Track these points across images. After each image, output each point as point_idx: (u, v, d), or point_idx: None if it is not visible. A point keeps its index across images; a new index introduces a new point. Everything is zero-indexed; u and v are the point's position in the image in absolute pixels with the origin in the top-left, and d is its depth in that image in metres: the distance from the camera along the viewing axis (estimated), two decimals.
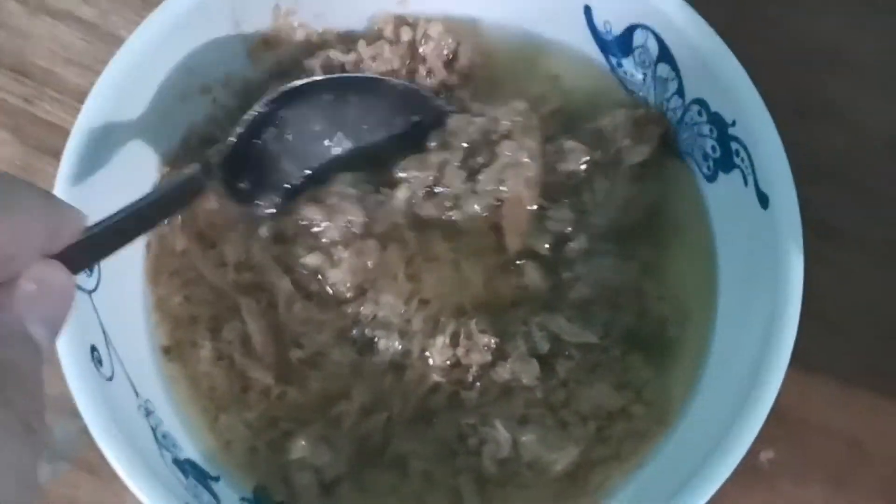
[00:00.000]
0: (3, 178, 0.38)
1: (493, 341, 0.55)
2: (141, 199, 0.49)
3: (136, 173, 0.57)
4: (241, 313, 0.56)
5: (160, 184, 0.57)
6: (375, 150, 0.59)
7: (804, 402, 0.60)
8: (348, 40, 0.61)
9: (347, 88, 0.58)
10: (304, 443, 0.54)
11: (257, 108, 0.56)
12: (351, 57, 0.60)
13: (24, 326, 0.37)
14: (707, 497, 0.48)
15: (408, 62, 0.61)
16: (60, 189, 0.52)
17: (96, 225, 0.45)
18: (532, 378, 0.54)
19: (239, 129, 0.56)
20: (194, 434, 0.55)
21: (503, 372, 0.55)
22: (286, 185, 0.58)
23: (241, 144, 0.56)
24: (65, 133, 0.54)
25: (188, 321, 0.57)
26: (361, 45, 0.61)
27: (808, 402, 0.60)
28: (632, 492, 0.54)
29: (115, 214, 0.47)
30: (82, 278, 0.52)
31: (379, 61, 0.60)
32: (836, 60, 0.67)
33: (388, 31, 0.61)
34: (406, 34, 0.61)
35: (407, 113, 0.59)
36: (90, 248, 0.44)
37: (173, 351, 0.57)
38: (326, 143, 0.58)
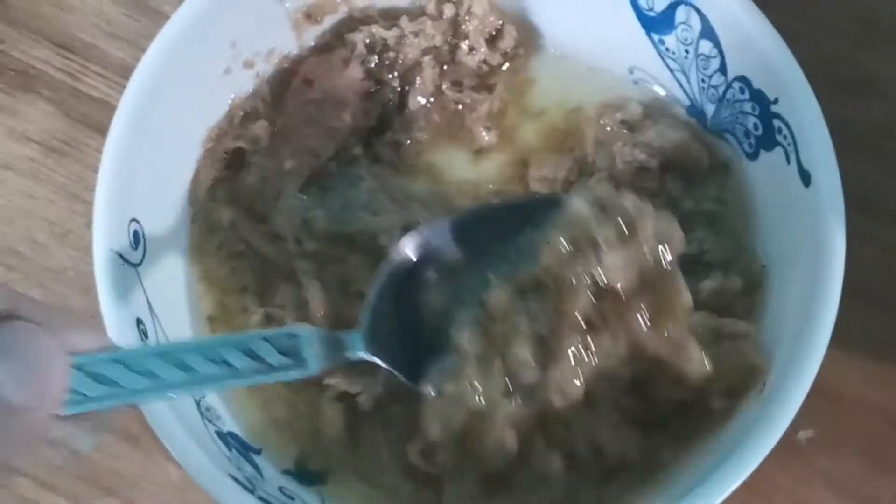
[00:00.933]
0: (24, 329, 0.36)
1: None
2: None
3: (181, 148, 0.58)
4: (295, 279, 0.56)
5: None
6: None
7: (842, 378, 0.59)
8: (390, 16, 0.62)
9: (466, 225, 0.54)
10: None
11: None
12: (393, 32, 0.61)
13: None
14: (748, 473, 0.48)
15: (449, 38, 0.61)
16: (106, 165, 0.53)
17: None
18: None
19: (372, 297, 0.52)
20: (237, 406, 0.56)
21: None
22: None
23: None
24: (108, 107, 0.55)
25: (237, 291, 0.58)
26: (404, 20, 0.61)
27: (847, 377, 0.60)
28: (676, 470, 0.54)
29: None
30: (129, 251, 0.53)
31: (421, 37, 0.61)
32: (874, 33, 0.67)
33: (431, 7, 0.61)
34: (449, 10, 0.61)
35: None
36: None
37: (217, 321, 0.58)
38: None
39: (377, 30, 0.61)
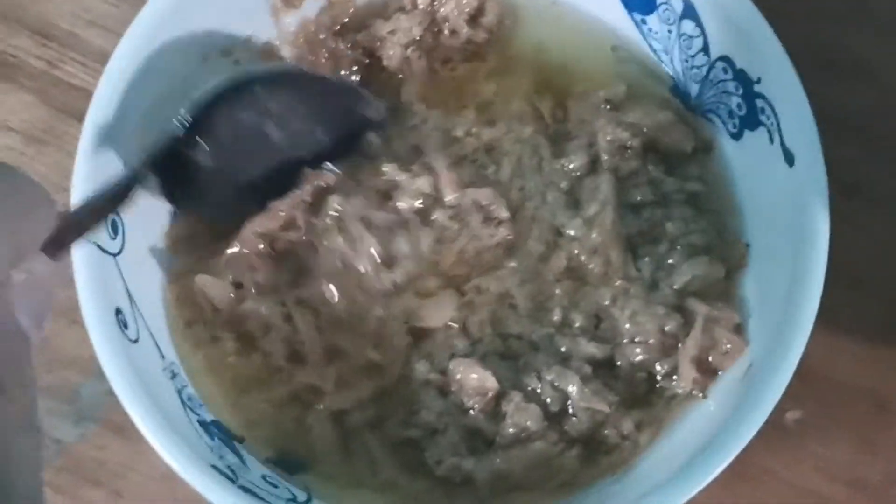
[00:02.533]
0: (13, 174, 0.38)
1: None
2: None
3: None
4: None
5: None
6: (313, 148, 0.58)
7: (830, 361, 0.59)
8: (368, 13, 0.62)
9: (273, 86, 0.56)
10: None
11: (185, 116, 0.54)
12: (371, 34, 0.61)
13: (17, 319, 0.37)
14: (732, 456, 0.48)
15: (427, 26, 0.61)
16: (83, 154, 0.53)
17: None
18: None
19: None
20: (216, 401, 0.56)
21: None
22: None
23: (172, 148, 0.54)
24: (88, 95, 0.54)
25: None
26: (378, 23, 0.61)
27: (835, 361, 0.59)
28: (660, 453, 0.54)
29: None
30: (107, 241, 0.52)
31: (399, 34, 0.60)
32: (862, 14, 0.66)
33: (406, 0, 0.61)
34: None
35: (339, 109, 0.58)
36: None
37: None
38: (261, 147, 0.57)
39: (361, 37, 0.61)
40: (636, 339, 0.54)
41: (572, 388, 0.53)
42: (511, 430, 0.53)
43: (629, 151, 0.58)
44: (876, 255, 0.62)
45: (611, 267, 0.56)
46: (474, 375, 0.53)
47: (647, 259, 0.56)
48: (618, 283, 0.56)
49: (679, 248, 0.56)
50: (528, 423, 0.53)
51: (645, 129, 0.58)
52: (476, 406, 0.53)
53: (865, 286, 0.61)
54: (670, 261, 0.56)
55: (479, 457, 0.53)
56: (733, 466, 0.48)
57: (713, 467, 0.48)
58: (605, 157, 0.58)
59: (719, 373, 0.54)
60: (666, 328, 0.54)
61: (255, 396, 0.55)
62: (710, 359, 0.54)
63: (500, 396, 0.53)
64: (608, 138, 0.58)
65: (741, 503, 0.58)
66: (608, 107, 0.59)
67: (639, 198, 0.57)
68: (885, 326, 0.61)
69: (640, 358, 0.54)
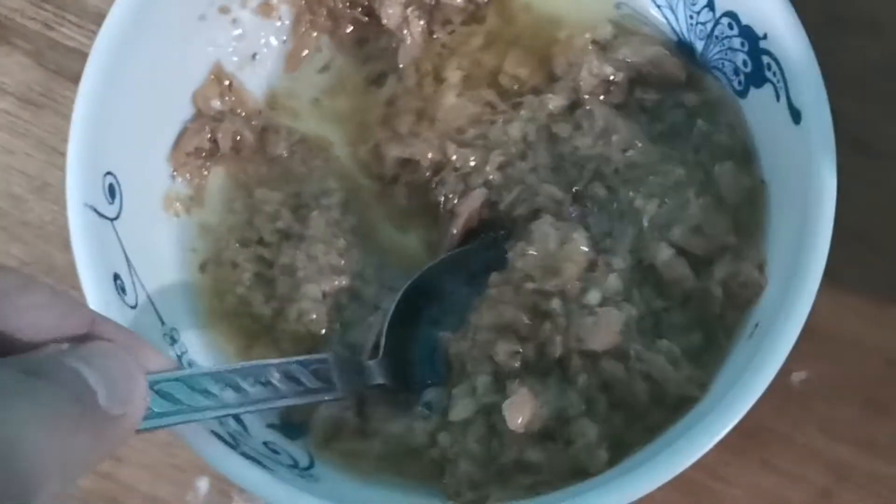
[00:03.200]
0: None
1: None
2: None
3: (158, 99, 0.57)
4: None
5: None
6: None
7: (838, 320, 0.59)
8: None
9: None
10: None
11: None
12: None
13: (62, 358, 0.37)
14: (741, 414, 0.47)
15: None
16: (78, 117, 0.52)
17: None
18: None
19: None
20: (221, 359, 0.55)
21: None
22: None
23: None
24: (84, 57, 0.54)
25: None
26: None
27: (842, 319, 0.59)
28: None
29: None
30: (104, 206, 0.52)
31: (390, 21, 0.60)
32: None
33: None
34: None
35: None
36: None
37: (210, 266, 0.58)
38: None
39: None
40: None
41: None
42: None
43: (613, 87, 0.57)
44: (884, 211, 0.61)
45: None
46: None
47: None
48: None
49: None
50: None
51: (629, 61, 0.57)
52: None
53: (873, 242, 0.60)
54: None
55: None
56: (739, 427, 0.47)
57: (719, 428, 0.47)
58: (587, 96, 0.57)
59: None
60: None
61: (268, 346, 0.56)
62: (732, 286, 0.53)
63: None
64: (594, 72, 0.57)
65: (747, 463, 0.57)
66: (596, 48, 0.58)
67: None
68: (893, 283, 0.60)
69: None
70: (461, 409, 0.52)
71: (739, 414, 0.47)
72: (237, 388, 0.46)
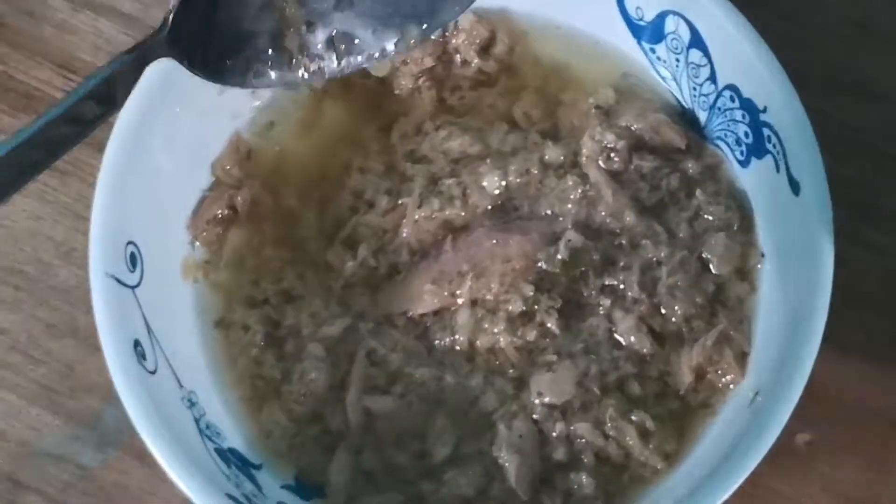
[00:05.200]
0: None
1: None
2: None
3: (180, 169, 0.59)
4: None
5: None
6: None
7: (841, 383, 0.59)
8: None
9: None
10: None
11: None
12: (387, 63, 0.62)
13: None
14: (742, 478, 0.49)
15: (439, 56, 0.62)
16: (101, 188, 0.54)
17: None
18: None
19: None
20: (237, 421, 0.57)
21: None
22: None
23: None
24: (110, 126, 0.55)
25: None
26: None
27: (845, 382, 0.60)
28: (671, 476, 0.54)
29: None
30: (125, 274, 0.53)
31: (412, 63, 0.62)
32: (871, 37, 0.67)
33: None
34: None
35: None
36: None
37: (223, 325, 0.59)
38: None
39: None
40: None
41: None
42: None
43: (614, 154, 0.58)
44: (885, 273, 0.62)
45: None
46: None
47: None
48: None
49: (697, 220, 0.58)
50: None
51: (632, 127, 0.59)
52: None
53: (875, 305, 0.61)
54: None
55: None
56: (743, 489, 0.49)
57: (721, 492, 0.48)
58: (585, 159, 0.58)
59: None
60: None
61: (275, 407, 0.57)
62: (709, 373, 0.54)
63: None
64: (596, 138, 0.58)
65: None
66: (600, 113, 0.60)
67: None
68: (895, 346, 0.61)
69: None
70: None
71: (741, 477, 0.49)
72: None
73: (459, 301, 0.56)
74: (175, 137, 0.58)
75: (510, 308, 0.55)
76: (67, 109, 0.47)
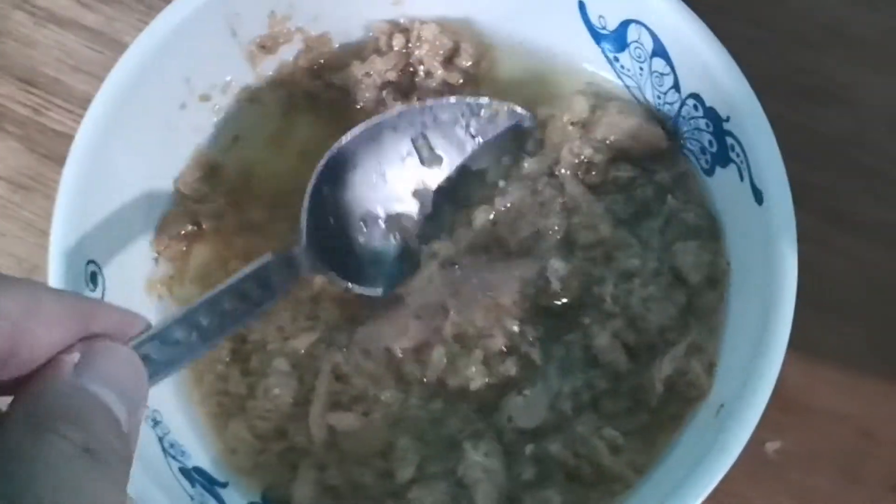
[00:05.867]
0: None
1: None
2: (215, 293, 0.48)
3: (141, 186, 0.58)
4: None
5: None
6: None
7: (811, 390, 0.59)
8: (345, 54, 0.63)
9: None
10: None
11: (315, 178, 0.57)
12: (347, 75, 0.62)
13: (78, 381, 0.36)
14: (709, 489, 0.48)
15: (402, 67, 0.62)
16: (60, 207, 0.54)
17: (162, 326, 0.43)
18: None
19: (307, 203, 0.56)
20: (202, 439, 0.56)
21: None
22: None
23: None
24: (73, 141, 0.55)
25: None
26: (355, 65, 0.62)
27: (815, 389, 0.60)
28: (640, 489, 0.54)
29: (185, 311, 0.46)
30: (85, 294, 0.53)
31: (374, 76, 0.61)
32: (837, 38, 0.66)
33: (382, 42, 0.62)
34: (398, 41, 0.61)
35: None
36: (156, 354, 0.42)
37: None
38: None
39: (337, 77, 0.62)
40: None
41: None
42: None
43: (592, 167, 0.58)
44: (855, 280, 0.62)
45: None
46: None
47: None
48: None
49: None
50: None
51: (609, 140, 0.59)
52: None
53: (845, 312, 0.61)
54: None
55: None
56: (712, 497, 0.48)
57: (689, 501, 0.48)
58: (562, 171, 0.59)
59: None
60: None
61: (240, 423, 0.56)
62: (678, 385, 0.54)
63: None
64: (574, 152, 0.58)
65: None
66: (577, 128, 0.60)
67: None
68: (867, 352, 0.61)
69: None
70: None
71: (708, 487, 0.48)
72: (199, 328, 0.45)
73: (443, 334, 0.56)
74: (136, 152, 0.57)
75: (490, 345, 0.55)
76: (233, 286, 0.48)
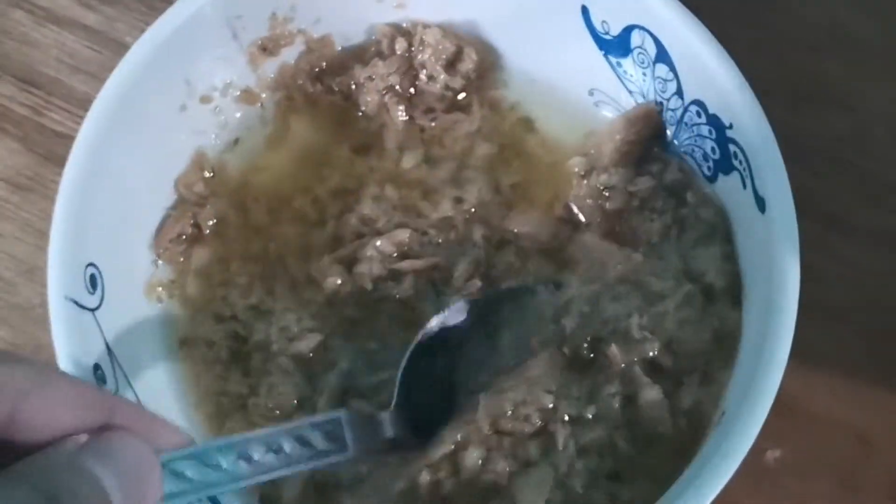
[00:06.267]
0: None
1: None
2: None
3: (141, 188, 0.58)
4: None
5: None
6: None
7: (810, 396, 0.59)
8: (347, 57, 0.63)
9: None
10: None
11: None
12: (349, 79, 0.62)
13: (77, 458, 0.36)
14: (713, 495, 0.48)
15: (405, 71, 0.61)
16: (60, 210, 0.53)
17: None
18: None
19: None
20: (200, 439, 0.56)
21: None
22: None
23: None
24: (72, 142, 0.55)
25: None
26: (357, 69, 0.62)
27: (815, 396, 0.60)
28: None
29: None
30: (85, 297, 0.53)
31: (377, 80, 0.61)
32: (841, 45, 0.66)
33: (384, 45, 0.62)
34: (401, 45, 0.61)
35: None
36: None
37: (188, 344, 0.58)
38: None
39: (339, 80, 0.62)
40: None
41: None
42: None
43: (609, 192, 0.59)
44: (854, 286, 0.62)
45: None
46: None
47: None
48: None
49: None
50: None
51: (618, 141, 0.59)
52: None
53: (844, 318, 0.61)
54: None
55: None
56: None
57: None
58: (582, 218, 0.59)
59: None
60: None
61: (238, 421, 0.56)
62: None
63: None
64: (581, 194, 0.59)
65: None
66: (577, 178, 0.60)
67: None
68: (865, 360, 0.61)
69: None
70: None
71: (710, 496, 0.48)
72: (249, 460, 0.45)
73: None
74: (136, 155, 0.57)
75: (526, 430, 0.54)
76: (293, 429, 0.47)
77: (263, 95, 0.62)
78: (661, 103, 0.58)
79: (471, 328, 0.57)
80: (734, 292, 0.55)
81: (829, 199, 0.62)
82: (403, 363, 0.55)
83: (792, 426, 0.58)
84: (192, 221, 0.59)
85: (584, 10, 0.59)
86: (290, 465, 0.47)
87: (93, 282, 0.54)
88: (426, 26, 0.62)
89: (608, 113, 0.61)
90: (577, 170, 0.59)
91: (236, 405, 0.57)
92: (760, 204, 0.53)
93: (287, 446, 0.47)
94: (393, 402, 0.54)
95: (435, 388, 0.56)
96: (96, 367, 0.52)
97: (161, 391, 0.56)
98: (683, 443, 0.53)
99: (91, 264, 0.54)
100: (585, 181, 0.59)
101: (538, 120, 0.62)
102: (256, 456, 0.45)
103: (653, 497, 0.50)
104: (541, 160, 0.61)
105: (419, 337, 0.55)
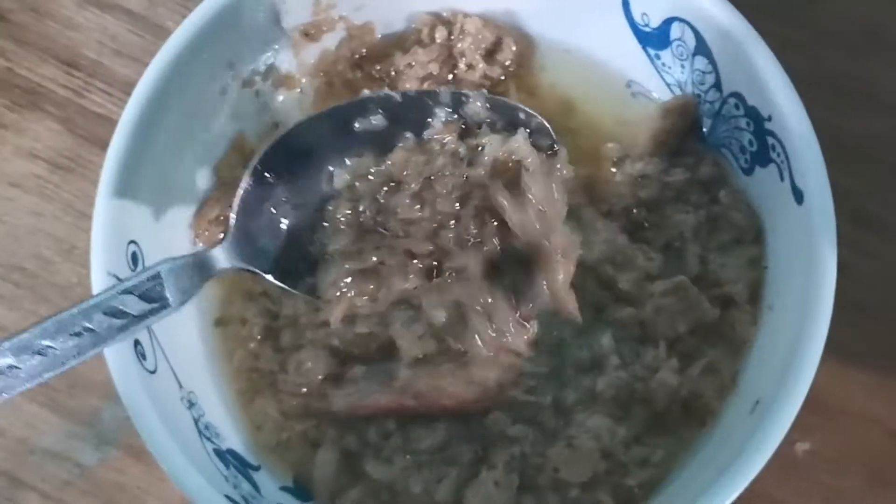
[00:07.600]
0: None
1: None
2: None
3: (181, 168, 0.59)
4: None
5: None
6: None
7: (842, 392, 0.60)
8: (387, 45, 0.63)
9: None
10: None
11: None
12: (389, 66, 0.62)
13: None
14: (744, 485, 0.48)
15: (444, 59, 0.62)
16: (104, 188, 0.54)
17: None
18: None
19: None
20: (234, 420, 0.57)
21: None
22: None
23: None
24: (112, 124, 0.55)
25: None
26: (397, 56, 0.62)
27: (846, 391, 0.60)
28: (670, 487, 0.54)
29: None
30: (126, 273, 0.53)
31: (417, 67, 0.62)
32: (878, 44, 0.66)
33: (425, 34, 0.62)
34: (440, 33, 0.62)
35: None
36: None
37: (224, 323, 0.59)
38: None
39: (379, 69, 0.63)
40: None
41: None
42: None
43: (645, 180, 0.59)
44: (888, 283, 0.62)
45: None
46: None
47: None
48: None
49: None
50: None
51: (651, 131, 0.59)
52: None
53: (876, 315, 0.61)
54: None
55: None
56: (741, 497, 0.48)
57: (723, 499, 0.48)
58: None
59: None
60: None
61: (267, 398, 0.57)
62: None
63: None
64: (622, 192, 0.59)
65: None
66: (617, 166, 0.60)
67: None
68: None
69: None
70: None
71: (741, 486, 0.48)
72: (43, 352, 0.45)
73: None
74: (178, 138, 0.58)
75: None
76: (102, 302, 0.47)
77: (303, 81, 0.63)
78: (699, 95, 0.59)
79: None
80: (753, 300, 0.56)
81: (860, 196, 0.62)
82: (244, 179, 0.55)
83: (822, 420, 0.59)
84: (230, 204, 0.60)
85: (625, 3, 0.59)
86: (98, 343, 0.47)
87: (134, 259, 0.54)
88: (466, 15, 0.62)
89: (645, 104, 0.61)
90: (611, 155, 0.60)
91: (267, 381, 0.57)
92: (798, 196, 0.53)
93: (95, 324, 0.47)
94: (230, 232, 0.54)
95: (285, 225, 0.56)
96: (136, 342, 0.52)
97: (198, 370, 0.57)
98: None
99: (133, 241, 0.54)
100: (618, 168, 0.59)
101: (577, 104, 0.62)
102: (55, 345, 0.45)
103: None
104: (583, 139, 0.61)
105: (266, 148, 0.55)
